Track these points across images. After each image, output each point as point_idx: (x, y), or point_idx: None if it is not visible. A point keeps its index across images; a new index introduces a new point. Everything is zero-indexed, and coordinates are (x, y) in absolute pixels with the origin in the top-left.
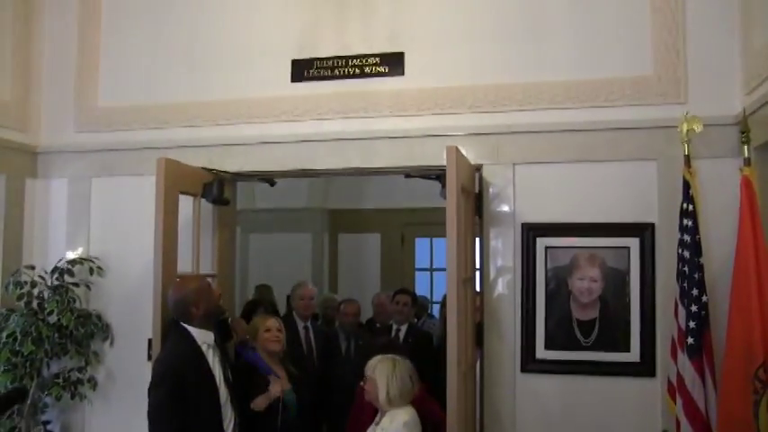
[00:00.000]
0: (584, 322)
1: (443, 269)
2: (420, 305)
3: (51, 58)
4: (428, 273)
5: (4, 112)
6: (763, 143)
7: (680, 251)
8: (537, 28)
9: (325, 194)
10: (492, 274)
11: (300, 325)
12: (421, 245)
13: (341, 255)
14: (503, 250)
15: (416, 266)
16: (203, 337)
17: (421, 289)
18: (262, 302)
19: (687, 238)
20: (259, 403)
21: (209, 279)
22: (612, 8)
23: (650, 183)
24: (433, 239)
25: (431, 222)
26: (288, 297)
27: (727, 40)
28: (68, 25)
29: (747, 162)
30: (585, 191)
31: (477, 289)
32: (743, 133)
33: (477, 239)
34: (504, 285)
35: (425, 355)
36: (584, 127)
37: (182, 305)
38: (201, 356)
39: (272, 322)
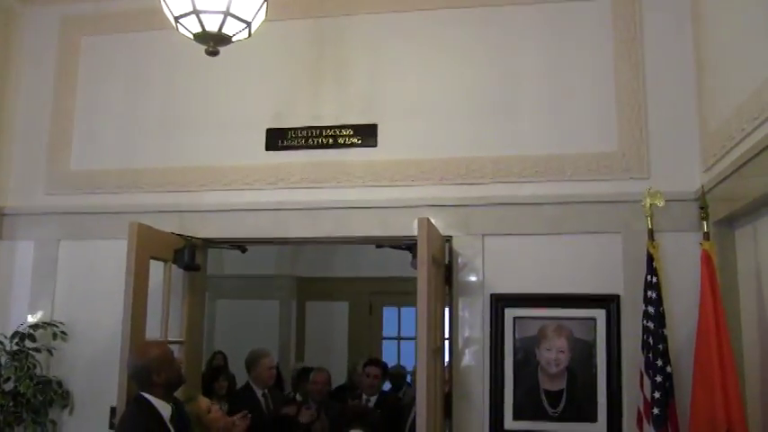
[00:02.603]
0: (552, 393)
1: (411, 338)
2: (398, 374)
3: (24, 121)
4: (395, 342)
5: None
6: (721, 218)
7: (644, 322)
8: (508, 104)
9: (293, 262)
10: (461, 344)
11: (259, 393)
12: (389, 314)
13: (308, 322)
14: (472, 320)
15: (384, 335)
16: (163, 410)
17: (388, 358)
18: (221, 370)
19: (651, 309)
20: None
21: (176, 346)
22: (580, 87)
23: (615, 255)
24: (401, 308)
25: (399, 291)
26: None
27: (685, 119)
28: (43, 88)
29: (707, 236)
30: (553, 262)
31: (447, 359)
32: (702, 209)
33: (447, 309)
34: (473, 355)
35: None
36: (552, 200)
37: (143, 372)
38: (165, 428)
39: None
